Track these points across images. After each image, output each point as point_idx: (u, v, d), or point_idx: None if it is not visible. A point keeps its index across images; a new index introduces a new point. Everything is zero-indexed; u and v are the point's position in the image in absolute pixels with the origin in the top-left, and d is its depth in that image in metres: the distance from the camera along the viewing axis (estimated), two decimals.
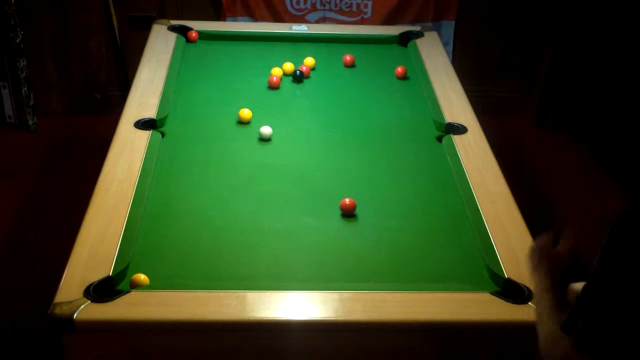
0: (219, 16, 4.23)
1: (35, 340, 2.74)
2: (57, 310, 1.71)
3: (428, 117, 2.80)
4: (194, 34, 3.39)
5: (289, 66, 3.11)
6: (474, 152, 2.51)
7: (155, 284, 1.85)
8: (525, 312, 1.77)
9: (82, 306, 1.72)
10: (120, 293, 1.78)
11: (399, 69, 3.16)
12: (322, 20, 4.27)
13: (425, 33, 3.49)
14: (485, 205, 2.20)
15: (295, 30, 3.53)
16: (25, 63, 4.09)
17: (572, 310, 1.24)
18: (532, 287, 1.69)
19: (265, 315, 1.76)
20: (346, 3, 4.25)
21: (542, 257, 1.49)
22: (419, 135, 2.72)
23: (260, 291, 1.83)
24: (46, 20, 4.16)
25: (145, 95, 2.80)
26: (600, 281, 1.20)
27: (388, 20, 4.23)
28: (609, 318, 1.17)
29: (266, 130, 2.62)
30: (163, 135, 2.59)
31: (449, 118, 2.73)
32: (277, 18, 4.22)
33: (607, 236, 1.22)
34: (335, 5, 4.26)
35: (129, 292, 1.80)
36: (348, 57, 3.25)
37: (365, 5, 4.25)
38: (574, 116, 4.40)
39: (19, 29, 4.01)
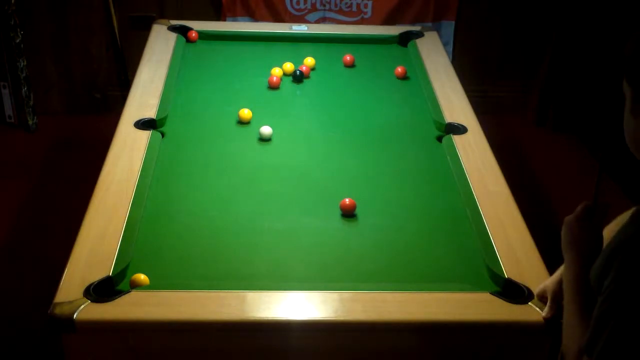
0: (219, 16, 4.23)
1: (35, 340, 2.74)
2: (57, 310, 1.71)
3: (428, 117, 2.80)
4: (194, 34, 3.39)
5: (289, 66, 3.11)
6: (474, 152, 2.51)
7: (155, 284, 1.85)
8: (525, 312, 1.77)
9: (82, 306, 1.72)
10: (120, 293, 1.78)
11: (399, 69, 3.16)
12: (322, 20, 4.27)
13: (425, 33, 3.49)
14: (485, 205, 2.20)
15: (295, 30, 3.53)
16: (25, 63, 4.09)
17: (592, 331, 1.23)
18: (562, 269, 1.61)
19: (265, 315, 1.76)
20: (346, 3, 4.25)
21: (573, 237, 1.46)
22: (419, 135, 2.72)
23: (260, 291, 1.83)
24: (46, 20, 4.16)
25: (145, 95, 2.80)
26: (619, 303, 1.19)
27: (388, 20, 4.23)
28: (629, 340, 1.17)
29: (266, 130, 2.62)
30: (163, 135, 2.59)
31: (449, 118, 2.73)
32: (277, 18, 4.22)
33: (621, 257, 1.22)
34: (335, 5, 4.26)
35: (129, 292, 1.80)
36: (348, 57, 3.25)
37: (365, 5, 4.25)
38: (574, 116, 4.40)
39: (19, 29, 4.01)
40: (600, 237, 1.45)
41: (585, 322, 1.29)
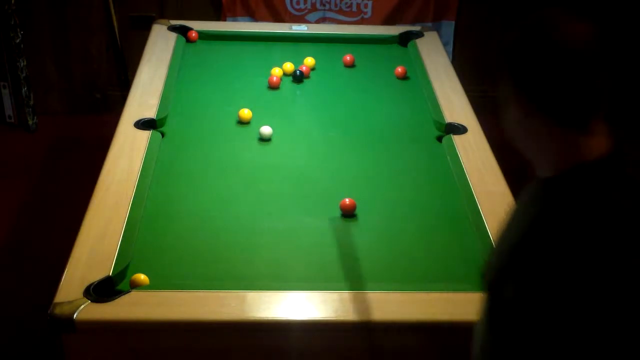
0: (219, 16, 4.23)
1: (35, 340, 2.74)
2: (57, 310, 1.71)
3: (428, 117, 2.80)
4: (194, 34, 3.39)
5: (289, 66, 3.11)
6: (474, 152, 2.51)
7: (155, 284, 1.85)
8: None
9: (82, 306, 1.72)
10: (120, 293, 1.78)
11: (399, 69, 3.16)
12: (322, 20, 4.27)
13: (425, 33, 3.49)
14: (485, 205, 2.20)
15: (295, 30, 3.53)
16: (25, 63, 4.09)
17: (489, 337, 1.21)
18: None
19: (265, 315, 1.76)
20: (346, 3, 4.25)
21: None
22: (419, 135, 2.72)
23: (260, 291, 1.83)
24: (46, 21, 4.17)
25: (145, 95, 2.80)
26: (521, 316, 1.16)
27: (388, 20, 4.23)
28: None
29: (266, 130, 2.62)
30: (163, 135, 2.59)
31: (449, 118, 2.73)
32: (277, 18, 4.22)
33: (520, 263, 1.17)
34: (335, 5, 4.26)
35: (129, 292, 1.80)
36: (348, 57, 3.25)
37: (365, 5, 4.25)
38: None
39: (19, 29, 4.01)
40: None
41: None
